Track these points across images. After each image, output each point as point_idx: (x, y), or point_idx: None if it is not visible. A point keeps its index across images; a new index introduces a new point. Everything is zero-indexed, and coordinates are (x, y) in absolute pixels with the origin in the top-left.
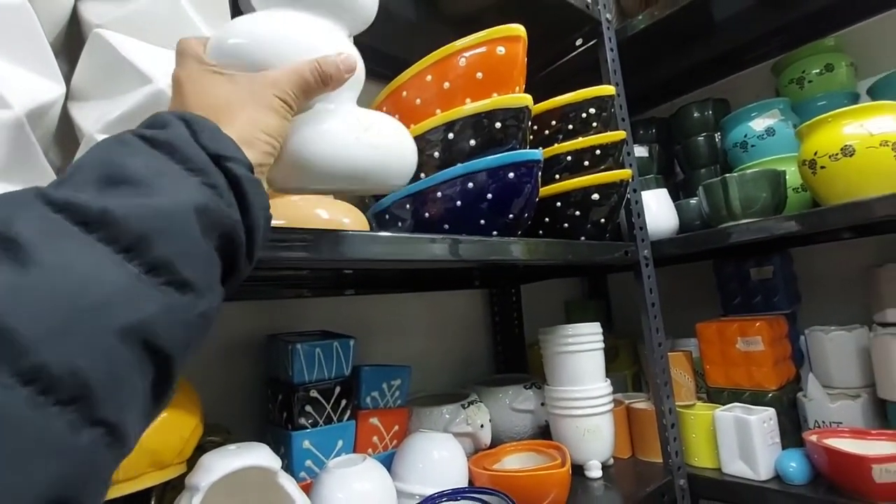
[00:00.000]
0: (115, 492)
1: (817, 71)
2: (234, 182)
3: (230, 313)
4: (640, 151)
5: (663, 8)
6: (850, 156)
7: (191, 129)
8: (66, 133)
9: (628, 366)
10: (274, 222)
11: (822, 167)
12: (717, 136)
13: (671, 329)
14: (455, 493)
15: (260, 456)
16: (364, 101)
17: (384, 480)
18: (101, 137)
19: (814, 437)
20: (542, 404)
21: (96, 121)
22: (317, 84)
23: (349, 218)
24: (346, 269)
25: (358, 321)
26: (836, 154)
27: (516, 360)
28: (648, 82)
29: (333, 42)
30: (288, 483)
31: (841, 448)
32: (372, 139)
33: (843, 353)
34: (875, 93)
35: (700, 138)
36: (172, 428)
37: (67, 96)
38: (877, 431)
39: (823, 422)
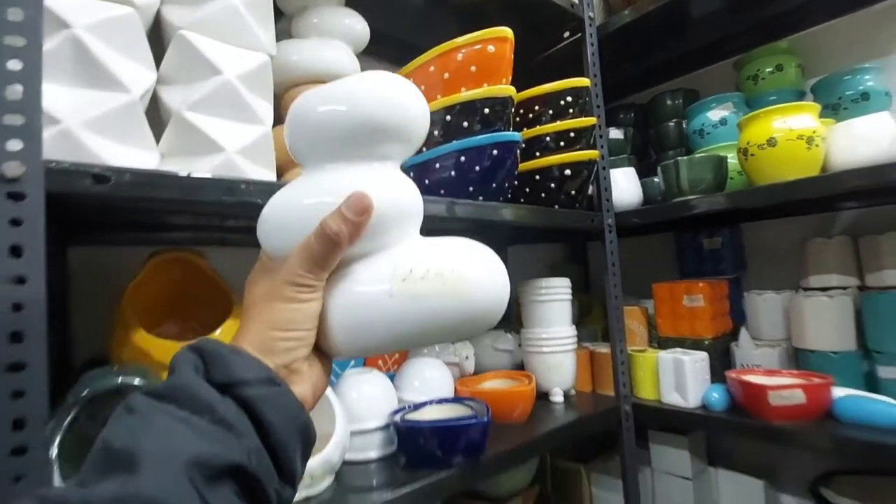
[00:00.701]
0: None
1: (770, 70)
2: (246, 407)
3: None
4: (616, 134)
5: (645, 5)
6: (774, 146)
7: (204, 362)
8: (151, 108)
9: (599, 321)
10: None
11: (752, 154)
12: (685, 122)
13: (638, 291)
14: (442, 400)
15: None
16: None
17: (387, 386)
18: (187, 114)
19: (733, 374)
20: (519, 346)
21: (182, 102)
22: (328, 249)
23: None
24: None
25: None
26: (763, 144)
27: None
28: (630, 71)
29: (366, 185)
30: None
31: (748, 379)
32: (412, 288)
33: (772, 311)
34: (816, 91)
35: (670, 124)
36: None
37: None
38: (783, 371)
39: (747, 365)
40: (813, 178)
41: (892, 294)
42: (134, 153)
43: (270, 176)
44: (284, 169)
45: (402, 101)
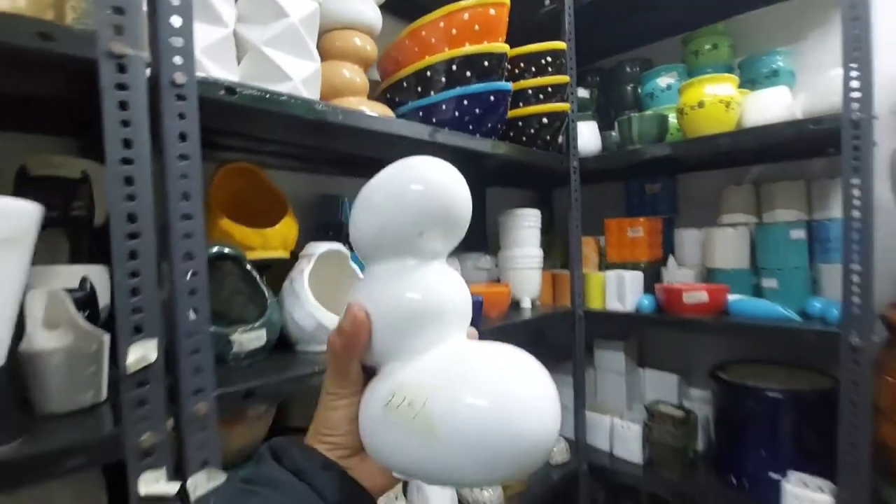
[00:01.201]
0: (266, 254)
1: (708, 47)
2: (314, 485)
3: (299, 181)
4: (583, 93)
5: None
6: (702, 108)
7: (276, 457)
8: None
9: (559, 256)
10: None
11: (686, 114)
12: (640, 87)
13: (593, 228)
14: None
15: (339, 248)
16: (387, 36)
17: None
18: (264, 48)
19: (659, 285)
20: (496, 266)
21: (259, 38)
22: (334, 361)
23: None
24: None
25: None
26: (695, 106)
27: (478, 242)
28: (601, 39)
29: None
30: (352, 263)
31: (670, 286)
32: (391, 415)
33: (693, 243)
34: (741, 67)
35: (628, 88)
36: (290, 231)
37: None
38: (695, 284)
39: (671, 282)
40: (728, 132)
41: (777, 226)
42: (223, 74)
43: None
44: (325, 99)
45: (459, 199)
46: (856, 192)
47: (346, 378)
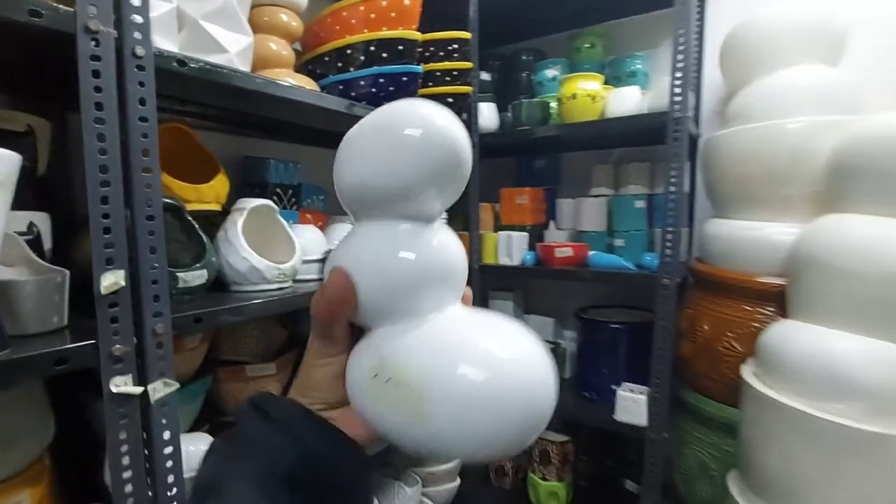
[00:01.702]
0: (200, 206)
1: (587, 45)
2: (299, 435)
3: (224, 141)
4: (486, 76)
5: None
6: (575, 99)
7: (259, 411)
8: None
9: (459, 221)
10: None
11: (563, 103)
12: (533, 75)
13: (493, 196)
14: None
15: (269, 203)
16: (312, 10)
17: (321, 237)
18: (203, 22)
19: (539, 244)
20: None
21: (197, 12)
22: (317, 323)
23: (305, 83)
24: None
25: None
26: (570, 97)
27: None
28: (503, 27)
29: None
30: (282, 219)
31: (546, 244)
32: (375, 389)
33: (568, 210)
34: (610, 66)
35: (523, 75)
36: (223, 188)
37: None
38: (566, 243)
39: (550, 241)
40: (593, 121)
41: (626, 198)
42: (167, 45)
43: None
44: (254, 70)
45: (461, 148)
46: (673, 173)
47: (332, 339)
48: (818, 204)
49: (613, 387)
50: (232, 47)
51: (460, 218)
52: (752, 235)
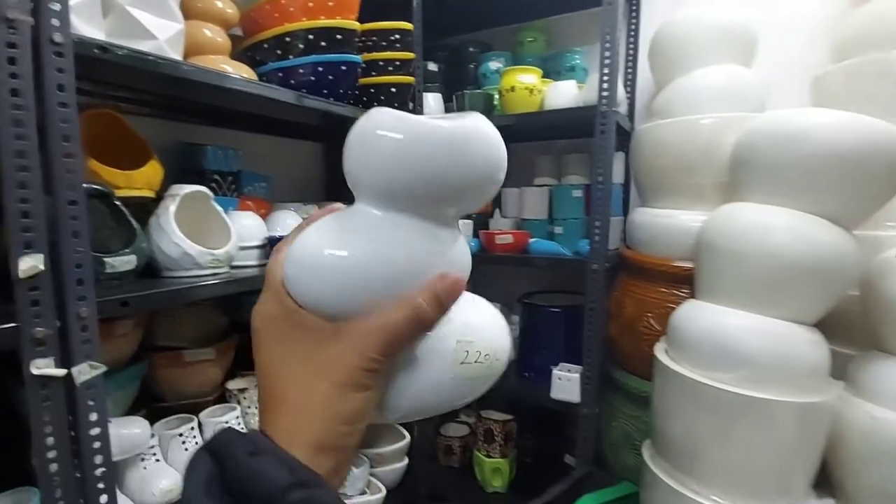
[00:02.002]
0: (130, 192)
1: (530, 39)
2: None
3: (161, 127)
4: (433, 67)
5: None
6: (514, 92)
7: (221, 469)
8: None
9: None
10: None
11: (503, 96)
12: (479, 66)
13: None
14: None
15: (203, 189)
16: None
17: (261, 224)
18: (129, 8)
19: (482, 231)
20: None
21: None
22: (415, 334)
23: (245, 73)
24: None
25: (238, 146)
26: (509, 90)
27: (342, 193)
28: (450, 18)
29: (454, 254)
30: (217, 205)
31: (488, 232)
32: (468, 372)
33: (513, 199)
34: (550, 60)
35: (470, 66)
36: (156, 174)
37: None
38: (507, 230)
39: (495, 229)
40: (531, 113)
41: (566, 187)
42: (91, 31)
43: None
44: (189, 56)
45: (502, 164)
46: (599, 165)
47: (395, 355)
48: (724, 193)
49: (552, 367)
50: (161, 34)
51: None
52: (669, 223)
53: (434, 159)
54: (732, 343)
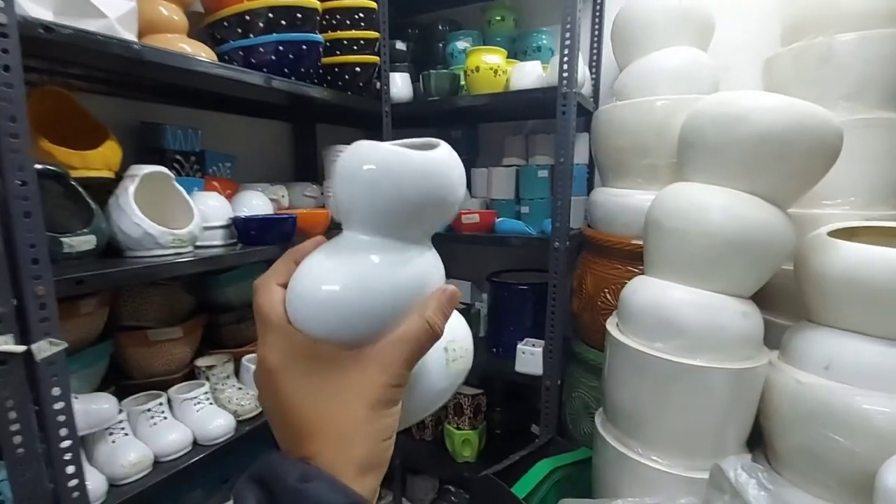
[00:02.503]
0: (88, 173)
1: (498, 18)
2: None
3: (120, 106)
4: (400, 45)
5: None
6: (478, 72)
7: (270, 494)
8: None
9: None
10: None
11: (469, 75)
12: (447, 45)
13: None
14: (263, 217)
15: (162, 169)
16: None
17: (226, 204)
18: None
19: None
20: (322, 194)
21: None
22: (429, 345)
23: (204, 53)
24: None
25: (201, 125)
26: (474, 70)
27: (311, 173)
28: None
29: (437, 268)
30: (178, 185)
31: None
32: (455, 369)
33: (482, 179)
34: (518, 40)
35: (439, 45)
36: (114, 154)
37: None
38: (474, 210)
39: (465, 209)
40: (495, 93)
41: (532, 168)
42: (40, 11)
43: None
44: (144, 35)
45: (462, 187)
46: (560, 146)
47: (416, 362)
48: (675, 173)
49: (516, 342)
50: (112, 12)
51: None
52: (624, 202)
53: (409, 186)
54: (672, 315)
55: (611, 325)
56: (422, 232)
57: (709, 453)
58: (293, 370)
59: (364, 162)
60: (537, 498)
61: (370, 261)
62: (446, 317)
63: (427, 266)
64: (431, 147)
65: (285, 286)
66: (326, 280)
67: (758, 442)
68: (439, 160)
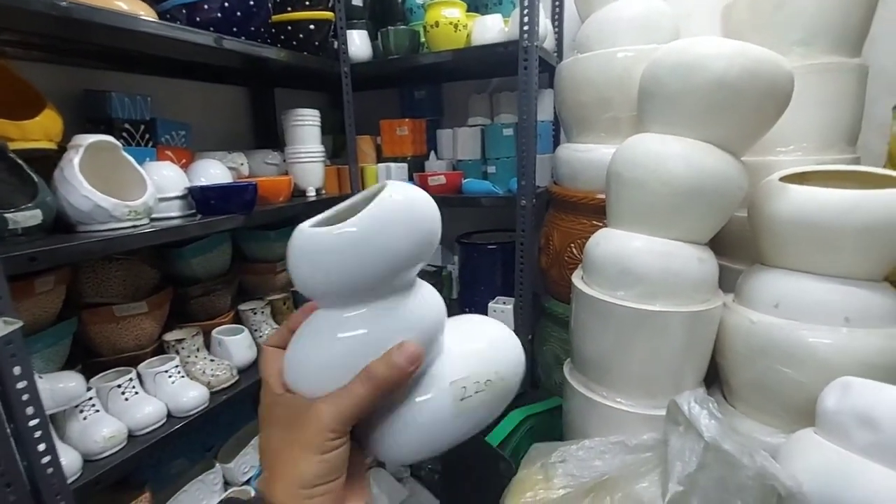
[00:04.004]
0: (27, 144)
1: None
2: None
3: (60, 73)
4: (357, 1)
5: None
6: (437, 28)
7: None
8: None
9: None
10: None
11: (428, 31)
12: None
13: (373, 129)
14: (222, 185)
15: (108, 138)
16: None
17: (181, 174)
18: None
19: (416, 174)
20: (283, 161)
21: None
22: (374, 399)
23: (142, 11)
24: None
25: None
26: (433, 25)
27: (270, 140)
28: None
29: (410, 316)
30: (127, 156)
31: (422, 174)
32: (471, 405)
33: (448, 140)
34: None
35: (397, 1)
36: (54, 124)
37: None
38: (440, 171)
39: (431, 170)
40: (455, 49)
41: (497, 126)
42: None
43: None
44: None
45: (437, 228)
46: (523, 103)
47: (364, 415)
48: (637, 126)
49: (487, 301)
50: None
51: (346, 153)
52: (588, 157)
53: (336, 265)
54: (631, 263)
55: (576, 278)
56: (388, 289)
57: (669, 392)
58: (269, 415)
59: (293, 250)
60: (511, 445)
61: (330, 332)
62: (401, 370)
63: (394, 320)
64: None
65: (282, 346)
66: (295, 351)
67: (714, 380)
68: (364, 226)
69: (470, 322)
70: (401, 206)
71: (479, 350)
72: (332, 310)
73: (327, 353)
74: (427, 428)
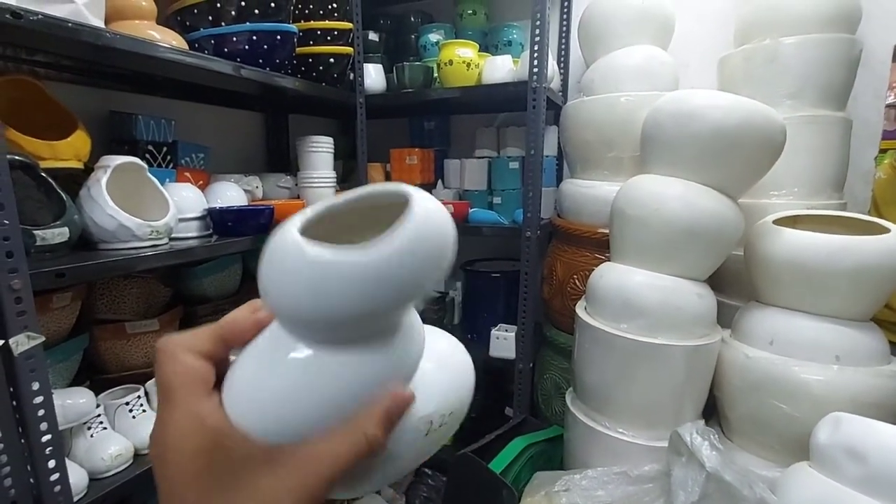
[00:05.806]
0: (57, 164)
1: (470, 12)
2: None
3: (89, 95)
4: (373, 36)
5: None
6: (451, 66)
7: None
8: None
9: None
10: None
11: (442, 68)
12: (420, 37)
13: (384, 157)
14: (240, 208)
15: (135, 160)
16: None
17: (200, 196)
18: None
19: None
20: (296, 185)
21: None
22: (363, 459)
23: (174, 41)
24: (163, 75)
25: (173, 115)
26: (447, 63)
27: (283, 164)
28: None
29: (397, 363)
30: (152, 177)
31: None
32: (435, 439)
33: (455, 170)
34: (489, 34)
35: (412, 37)
36: (84, 145)
37: None
38: (448, 200)
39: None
40: (468, 86)
41: (503, 159)
42: None
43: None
44: (111, 21)
45: (454, 252)
46: (531, 139)
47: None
48: (639, 166)
49: (490, 328)
50: None
51: (357, 177)
52: (592, 193)
53: (359, 291)
54: (634, 297)
55: (580, 309)
56: (386, 321)
57: (669, 423)
58: (203, 469)
59: (280, 263)
60: (512, 473)
61: (310, 372)
62: (394, 424)
63: (387, 364)
64: (399, 199)
65: (209, 357)
66: (258, 382)
67: (711, 412)
68: (395, 257)
69: (429, 338)
70: (434, 232)
71: (447, 381)
72: (308, 339)
73: (314, 396)
74: (388, 466)
